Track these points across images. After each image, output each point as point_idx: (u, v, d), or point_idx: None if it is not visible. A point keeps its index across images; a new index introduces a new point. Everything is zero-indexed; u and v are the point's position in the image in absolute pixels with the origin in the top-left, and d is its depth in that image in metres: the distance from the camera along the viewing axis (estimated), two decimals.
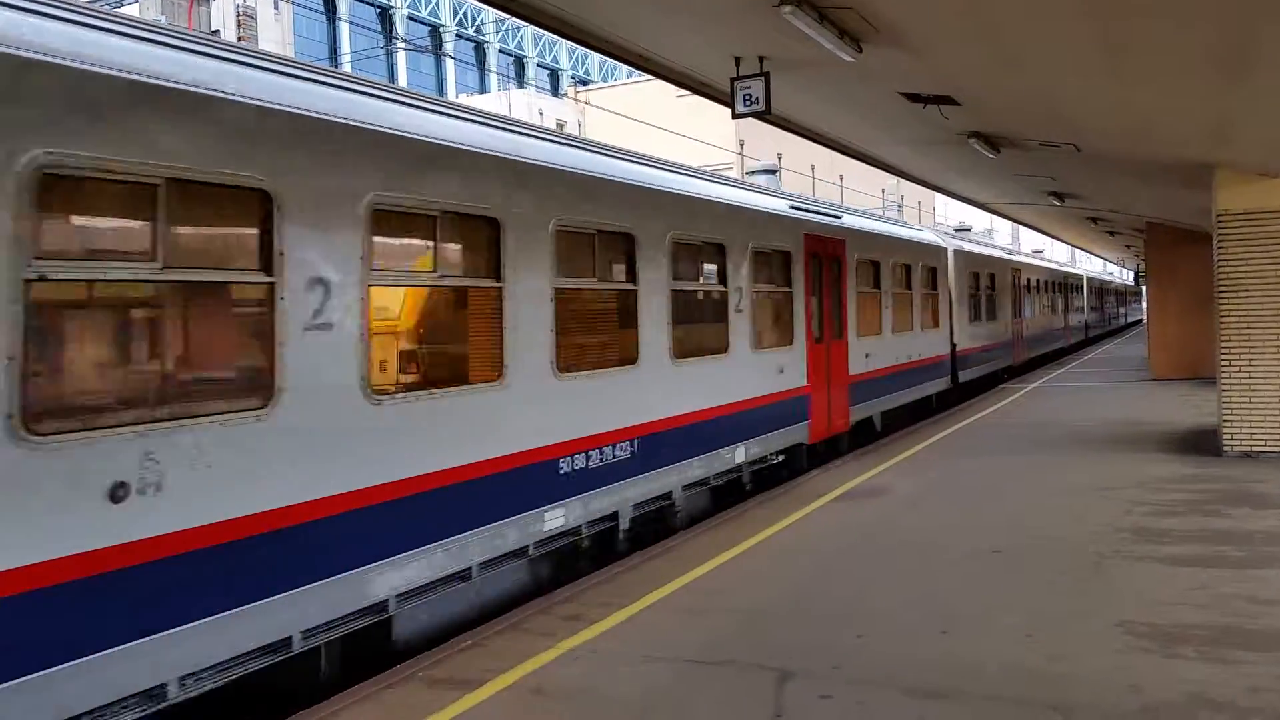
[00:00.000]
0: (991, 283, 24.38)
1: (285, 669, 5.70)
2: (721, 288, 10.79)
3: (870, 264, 15.60)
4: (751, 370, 11.29)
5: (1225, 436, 12.44)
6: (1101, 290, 54.55)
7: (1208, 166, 12.51)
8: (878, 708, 5.13)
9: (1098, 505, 9.73)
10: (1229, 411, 12.41)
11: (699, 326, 10.52)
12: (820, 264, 13.50)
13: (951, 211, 61.47)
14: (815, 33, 7.70)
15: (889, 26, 7.89)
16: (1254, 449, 12.24)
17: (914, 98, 10.60)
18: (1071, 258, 66.74)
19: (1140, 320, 69.89)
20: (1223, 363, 12.48)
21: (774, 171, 16.59)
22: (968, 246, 23.14)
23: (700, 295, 10.64)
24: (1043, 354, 31.68)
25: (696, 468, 9.98)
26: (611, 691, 5.50)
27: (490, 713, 5.28)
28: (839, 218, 14.87)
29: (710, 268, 10.74)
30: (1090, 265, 66.49)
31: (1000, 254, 27.21)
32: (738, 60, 9.25)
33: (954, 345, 20.51)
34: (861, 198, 43.75)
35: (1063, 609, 6.59)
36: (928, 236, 20.21)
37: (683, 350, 9.83)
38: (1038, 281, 31.58)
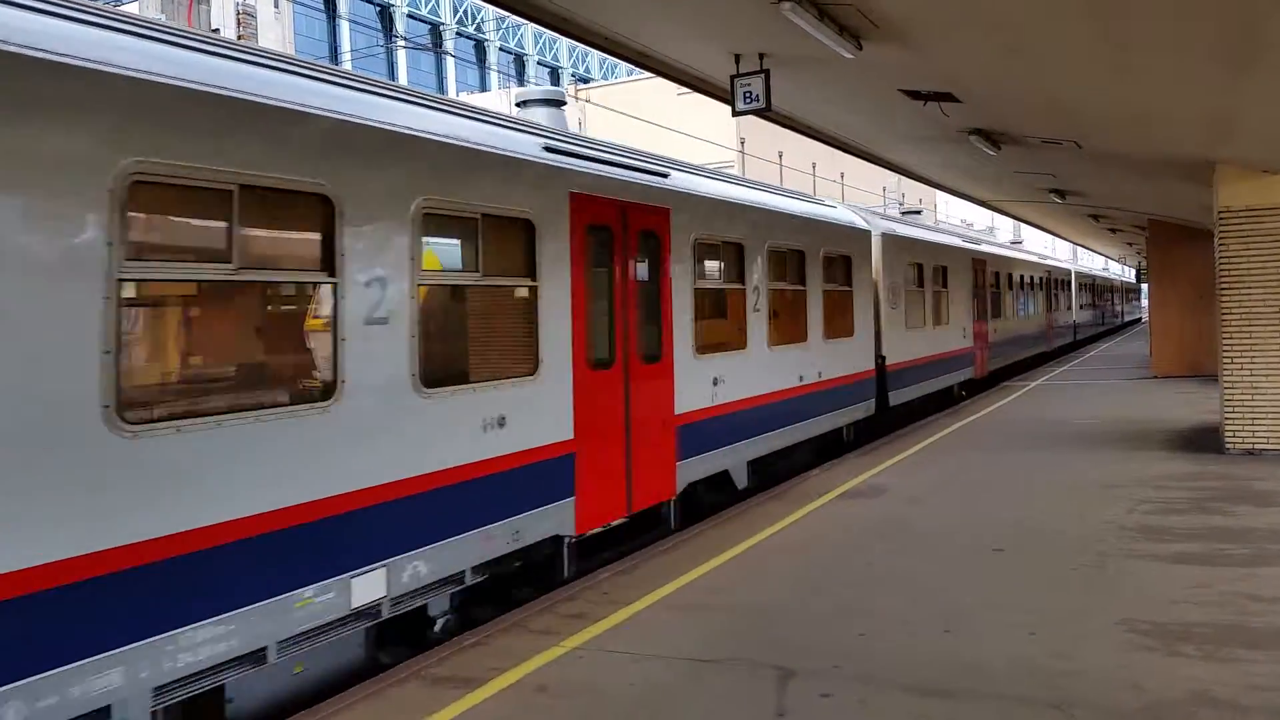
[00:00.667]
0: (943, 277, 19.79)
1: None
2: (322, 277, 5.88)
3: (727, 248, 10.92)
4: (416, 430, 6.36)
5: (1227, 434, 12.43)
6: (1094, 287, 48.69)
7: (1209, 163, 12.50)
8: (880, 706, 5.12)
9: (1100, 503, 9.72)
10: (1231, 409, 12.40)
11: (257, 352, 6.11)
12: (613, 245, 8.77)
13: (953, 209, 61.49)
14: (815, 29, 7.70)
15: (888, 23, 7.89)
16: (1256, 446, 12.24)
17: (914, 94, 10.59)
18: (1074, 255, 66.50)
19: (1139, 319, 67.75)
20: (1225, 360, 12.47)
21: (560, 103, 10.24)
22: (904, 230, 18.38)
23: (258, 296, 5.93)
24: (1017, 362, 27.05)
25: (209, 640, 5.01)
26: (614, 690, 5.50)
27: (493, 711, 5.28)
28: (664, 174, 9.80)
29: (285, 244, 6.15)
30: (1081, 259, 65.17)
31: (956, 242, 22.29)
32: (738, 57, 9.26)
33: (882, 358, 15.83)
34: (863, 195, 43.72)
35: (1065, 607, 6.58)
36: (840, 214, 14.93)
37: (194, 404, 5.41)
38: (1011, 276, 26.92)
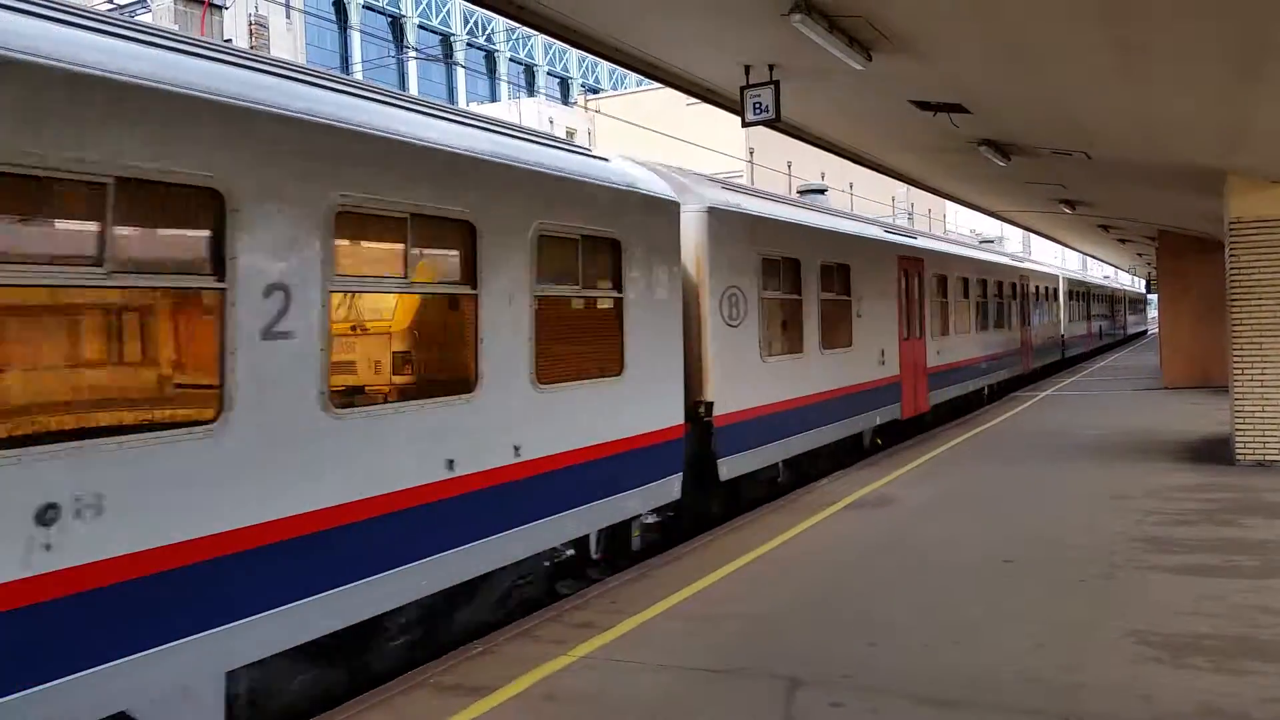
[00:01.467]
0: (843, 280, 14.00)
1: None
2: None
3: (163, 195, 4.92)
4: None
5: (1238, 445, 12.38)
6: (1089, 296, 41.70)
7: (1220, 173, 12.48)
8: (889, 716, 5.12)
9: (1110, 514, 9.69)
10: (1241, 420, 12.36)
11: None
12: None
13: (963, 219, 61.44)
14: (825, 41, 7.73)
15: (899, 35, 7.91)
16: (1267, 458, 12.18)
17: (924, 105, 10.62)
18: (1083, 265, 66.18)
19: (1145, 331, 64.70)
20: (1235, 371, 12.43)
21: None
22: (756, 208, 11.69)
23: None
24: (976, 390, 21.55)
25: None
26: (623, 699, 5.50)
27: None
28: None
29: None
30: (1071, 265, 61.28)
31: (871, 232, 16.03)
32: (747, 69, 9.29)
33: (704, 407, 10.02)
34: (873, 205, 43.71)
35: (1075, 618, 6.56)
36: (604, 169, 8.75)
37: None
38: (967, 281, 20.79)
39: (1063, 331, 33.97)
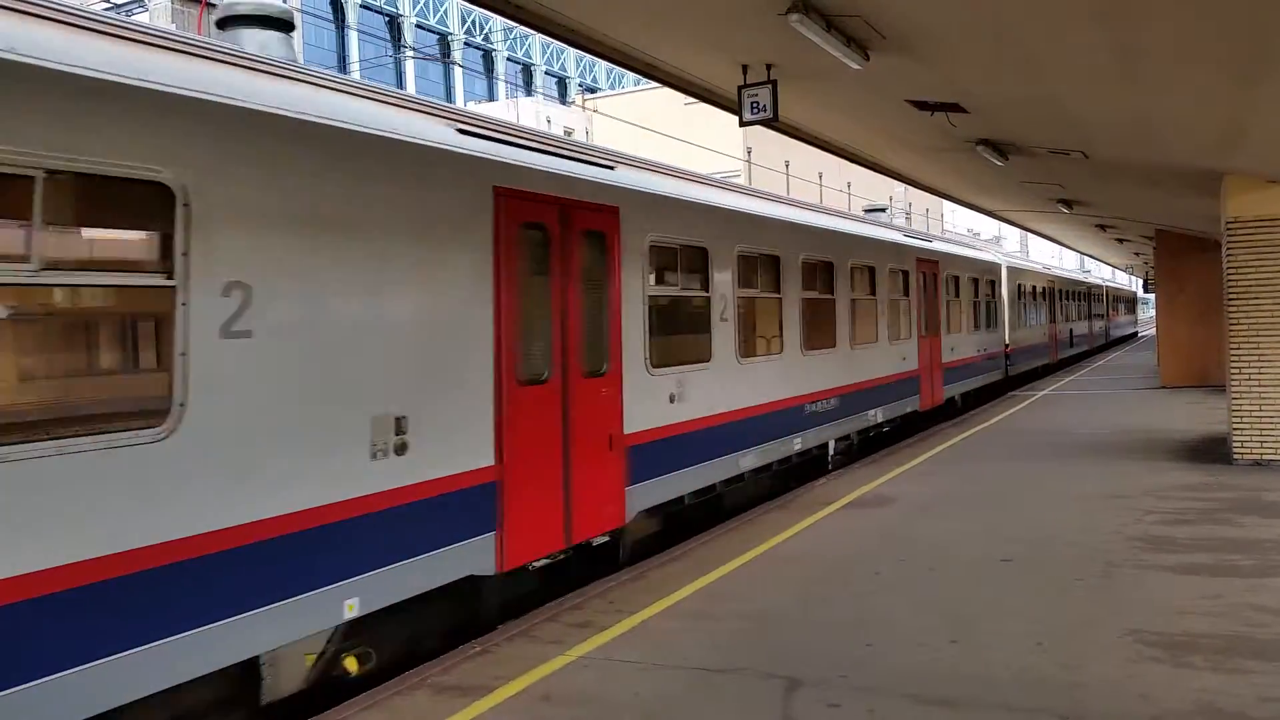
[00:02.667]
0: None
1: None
2: None
3: None
4: None
5: (1235, 445, 12.39)
6: (1053, 293, 32.08)
7: (1217, 173, 12.49)
8: (887, 716, 5.11)
9: (1108, 513, 9.69)
10: (1239, 420, 12.37)
11: None
12: None
13: (960, 219, 61.45)
14: (822, 41, 7.73)
15: (896, 34, 7.91)
16: (1264, 457, 12.19)
17: (921, 105, 10.61)
18: (1080, 264, 66.08)
19: (1134, 334, 60.98)
20: (1232, 370, 12.45)
21: None
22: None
23: None
24: (806, 451, 12.40)
25: None
26: (620, 699, 5.50)
27: None
28: None
29: None
30: (1069, 263, 56.37)
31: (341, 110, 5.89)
32: (745, 68, 9.28)
33: None
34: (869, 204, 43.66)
35: (1073, 617, 6.57)
36: None
37: None
38: (772, 262, 11.64)
39: (1008, 341, 25.18)
